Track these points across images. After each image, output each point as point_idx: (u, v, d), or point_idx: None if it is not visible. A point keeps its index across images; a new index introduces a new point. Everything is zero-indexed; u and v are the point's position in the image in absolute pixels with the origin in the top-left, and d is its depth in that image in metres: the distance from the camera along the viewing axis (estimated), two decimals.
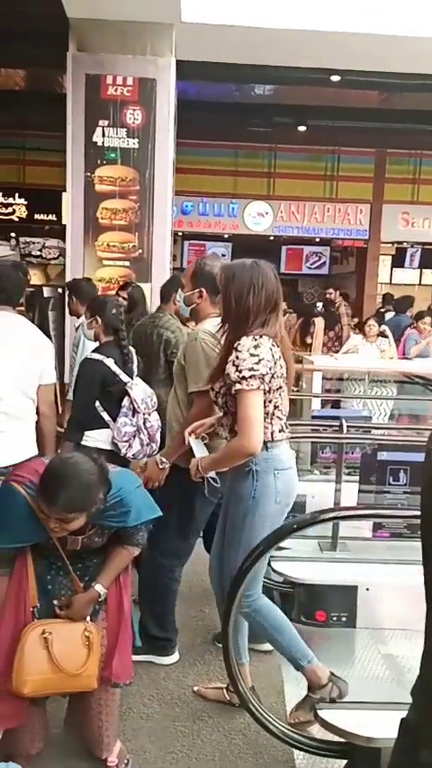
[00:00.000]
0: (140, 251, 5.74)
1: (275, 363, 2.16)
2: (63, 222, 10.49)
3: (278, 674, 2.79)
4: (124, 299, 5.00)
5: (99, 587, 2.00)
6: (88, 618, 2.01)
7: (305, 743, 2.20)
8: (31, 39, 6.33)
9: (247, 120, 9.03)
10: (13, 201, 10.99)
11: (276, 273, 2.27)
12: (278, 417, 2.24)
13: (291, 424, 2.64)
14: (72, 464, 1.85)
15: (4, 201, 10.97)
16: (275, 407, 2.22)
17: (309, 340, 8.58)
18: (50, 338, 4.52)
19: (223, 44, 5.52)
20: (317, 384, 5.50)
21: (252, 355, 2.10)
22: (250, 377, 2.07)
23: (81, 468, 1.83)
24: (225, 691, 2.57)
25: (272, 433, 2.22)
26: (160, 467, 2.67)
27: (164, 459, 2.67)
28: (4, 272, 2.86)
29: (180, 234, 11.23)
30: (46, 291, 8.05)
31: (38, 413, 2.80)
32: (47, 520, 1.85)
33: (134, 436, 3.01)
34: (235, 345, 2.13)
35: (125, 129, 5.49)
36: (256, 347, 2.11)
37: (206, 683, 2.68)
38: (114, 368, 3.01)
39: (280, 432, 2.25)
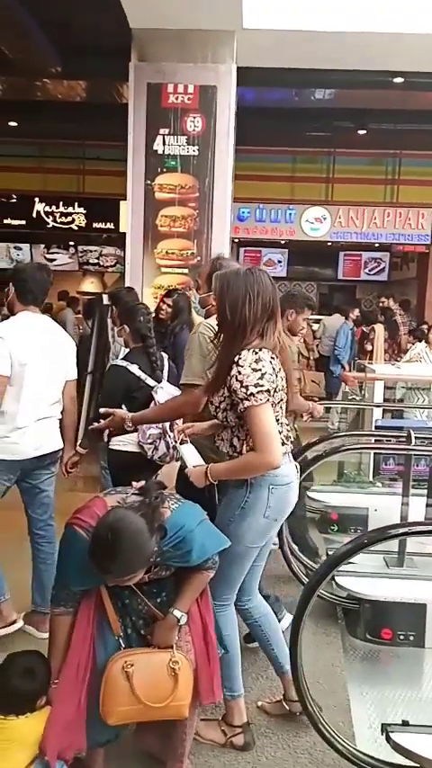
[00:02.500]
0: (198, 258, 5.73)
1: (276, 376, 2.10)
2: (121, 230, 10.77)
3: (344, 692, 2.71)
4: (169, 306, 5.02)
5: (177, 612, 1.97)
6: (174, 646, 1.97)
7: (375, 765, 2.12)
8: (95, 51, 6.47)
9: (306, 124, 8.98)
10: (73, 210, 11.21)
11: (273, 281, 2.19)
12: (278, 431, 2.14)
13: (352, 435, 2.57)
14: (120, 529, 1.78)
15: (65, 211, 11.20)
16: (276, 421, 2.12)
17: (369, 347, 8.43)
18: (110, 344, 4.60)
19: (284, 49, 5.48)
20: (378, 393, 5.36)
21: (255, 370, 2.03)
22: (258, 392, 2.01)
23: (130, 533, 1.78)
24: (283, 702, 2.51)
25: None
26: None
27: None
28: (30, 273, 2.99)
29: (236, 240, 11.24)
30: (105, 299, 8.14)
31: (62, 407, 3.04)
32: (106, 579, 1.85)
33: (160, 439, 3.04)
34: (236, 360, 2.06)
35: (185, 137, 5.50)
36: (257, 361, 2.05)
37: (270, 698, 2.62)
38: (139, 373, 3.08)
39: (282, 445, 2.15)
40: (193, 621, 2.03)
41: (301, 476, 2.37)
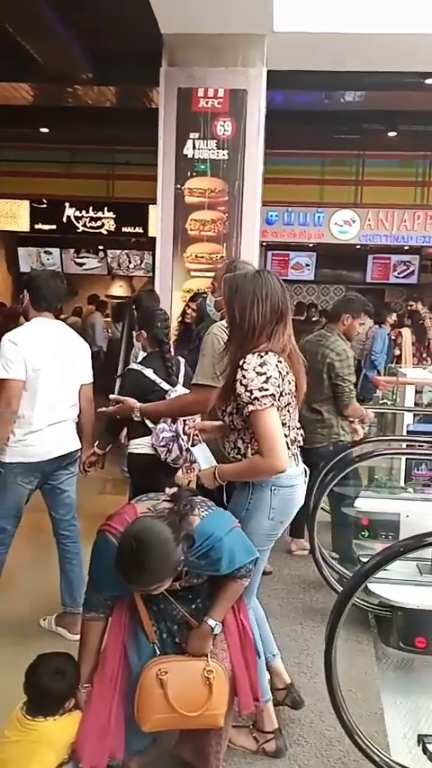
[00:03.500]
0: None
1: (283, 380, 2.09)
2: (150, 234, 10.85)
3: (378, 702, 2.67)
4: (193, 309, 5.01)
5: (211, 621, 1.96)
6: (209, 655, 1.96)
7: None
8: (125, 57, 6.52)
9: (336, 127, 8.92)
10: (102, 215, 11.31)
11: (282, 283, 2.17)
12: (283, 434, 2.11)
13: (382, 440, 2.51)
14: (144, 539, 1.78)
15: (94, 215, 11.30)
16: (283, 424, 2.11)
17: (396, 351, 8.33)
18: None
19: (314, 52, 5.44)
20: (409, 397, 5.30)
21: (259, 374, 2.02)
22: (262, 396, 2.00)
23: (155, 542, 1.77)
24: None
25: None
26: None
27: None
28: (44, 281, 3.07)
29: (264, 244, 11.21)
30: None
31: (79, 409, 3.15)
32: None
33: (173, 441, 3.09)
34: (240, 364, 2.05)
35: (215, 141, 5.50)
36: (261, 365, 2.04)
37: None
38: (154, 377, 3.13)
39: (287, 449, 2.12)
40: (229, 631, 2.01)
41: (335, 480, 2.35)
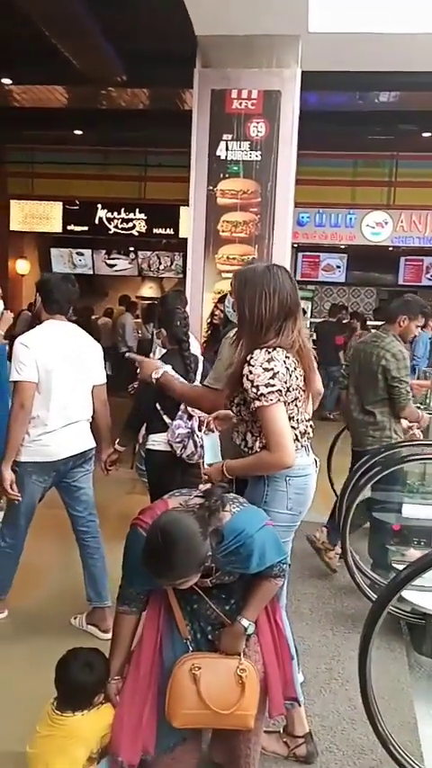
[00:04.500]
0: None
1: (291, 375, 2.09)
2: (180, 236, 10.87)
3: (411, 711, 2.62)
4: (221, 311, 4.99)
5: (244, 621, 1.94)
6: (242, 655, 1.94)
7: None
8: (159, 59, 6.55)
9: (369, 128, 8.83)
10: (134, 217, 11.38)
11: (293, 279, 2.16)
12: (292, 427, 2.13)
13: (417, 444, 2.45)
14: (171, 532, 1.77)
15: (126, 217, 11.38)
16: (290, 418, 2.12)
17: None
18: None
19: (349, 52, 5.39)
20: None
21: (266, 370, 2.02)
22: (269, 392, 2.01)
23: (182, 535, 1.77)
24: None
25: None
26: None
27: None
28: (55, 284, 3.13)
29: (295, 245, 11.16)
30: None
31: (94, 410, 3.18)
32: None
33: (188, 438, 3.19)
34: (248, 359, 2.06)
35: (248, 142, 5.49)
36: (269, 361, 2.04)
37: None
38: (172, 373, 3.10)
39: (295, 441, 2.12)
40: (262, 632, 1.99)
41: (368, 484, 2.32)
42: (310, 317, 12.79)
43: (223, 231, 5.66)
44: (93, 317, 11.69)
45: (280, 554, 1.95)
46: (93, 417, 3.21)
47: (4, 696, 2.61)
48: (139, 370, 2.66)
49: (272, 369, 2.02)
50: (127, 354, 3.03)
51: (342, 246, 11.39)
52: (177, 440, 3.20)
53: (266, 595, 1.98)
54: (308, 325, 11.97)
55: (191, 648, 1.96)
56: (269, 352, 2.06)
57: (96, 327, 11.49)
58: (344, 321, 10.19)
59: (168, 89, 7.57)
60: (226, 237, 5.68)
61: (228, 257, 5.72)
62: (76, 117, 9.08)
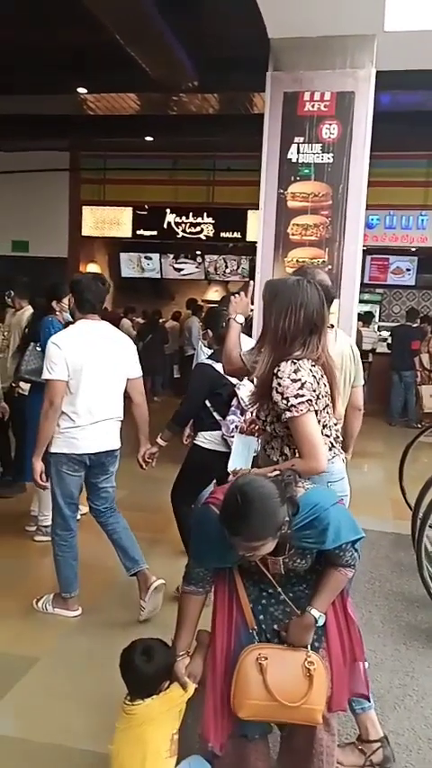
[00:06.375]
0: (330, 267, 5.61)
1: (318, 383, 2.13)
2: (248, 239, 10.87)
3: None
4: None
5: (314, 611, 1.91)
6: (309, 647, 1.92)
7: None
8: (230, 63, 6.57)
9: None
10: (202, 221, 11.45)
11: (322, 294, 2.16)
12: (326, 435, 2.18)
13: None
14: (250, 491, 1.77)
15: (194, 221, 11.46)
16: (324, 426, 2.15)
17: None
18: None
19: (424, 51, 5.26)
20: None
21: (294, 381, 2.06)
22: (299, 403, 2.04)
23: (260, 494, 1.77)
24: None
25: None
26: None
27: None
28: (86, 285, 3.25)
29: (363, 248, 10.95)
30: None
31: (132, 402, 3.34)
32: (236, 548, 1.82)
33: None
34: (275, 372, 2.09)
35: (320, 145, 5.42)
36: (295, 372, 2.08)
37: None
38: (222, 371, 3.23)
39: (330, 449, 2.20)
40: (329, 624, 1.96)
41: None
42: (379, 321, 12.55)
43: (293, 234, 5.62)
44: (161, 321, 11.84)
45: (356, 532, 1.92)
46: (132, 409, 3.35)
47: (84, 696, 2.65)
48: (231, 303, 2.72)
49: (299, 379, 2.06)
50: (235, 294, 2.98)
51: (413, 249, 11.12)
52: (232, 434, 3.29)
53: (337, 586, 1.95)
54: (377, 330, 11.75)
55: (256, 639, 1.94)
56: (295, 363, 2.10)
57: (164, 330, 11.64)
58: (414, 326, 9.94)
59: (239, 93, 7.58)
60: (296, 241, 5.63)
61: (297, 261, 5.66)
62: (147, 123, 9.22)
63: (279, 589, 1.94)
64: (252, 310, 3.57)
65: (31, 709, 2.60)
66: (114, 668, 2.09)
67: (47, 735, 2.43)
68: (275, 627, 1.96)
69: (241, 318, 2.68)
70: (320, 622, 1.92)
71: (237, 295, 2.75)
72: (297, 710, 1.86)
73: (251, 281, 2.91)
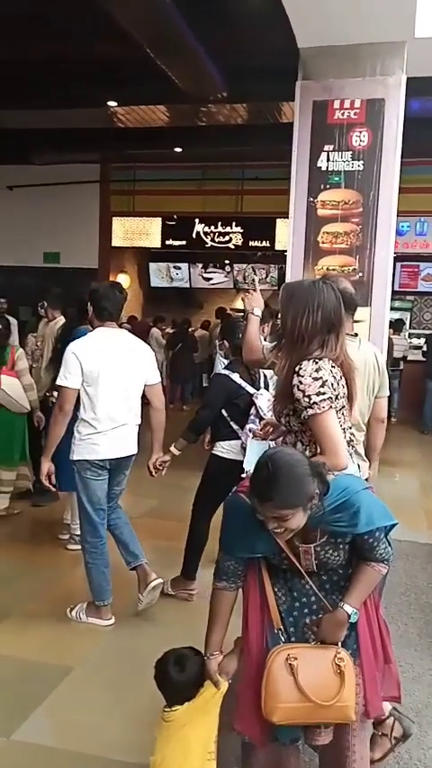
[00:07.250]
0: (360, 274, 5.58)
1: (338, 383, 2.15)
2: (276, 248, 10.86)
3: None
4: None
5: (348, 607, 1.87)
6: (340, 643, 1.89)
7: None
8: (259, 73, 6.60)
9: None
10: (230, 230, 11.49)
11: (339, 295, 2.17)
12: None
13: None
14: (279, 458, 1.79)
15: (222, 230, 11.50)
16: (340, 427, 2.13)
17: None
18: None
19: None
20: None
21: (315, 379, 2.08)
22: (321, 400, 2.05)
23: (289, 461, 1.77)
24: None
25: None
26: None
27: None
28: (103, 293, 3.29)
29: (394, 255, 10.86)
30: None
31: (151, 407, 3.39)
32: (267, 521, 1.78)
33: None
34: (297, 370, 2.10)
35: (350, 152, 5.40)
36: (317, 370, 2.09)
37: None
38: (240, 381, 3.36)
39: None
40: (360, 626, 1.92)
41: None
42: (409, 328, 12.42)
43: (323, 243, 5.60)
44: (190, 330, 11.89)
45: (389, 518, 1.90)
46: (150, 414, 3.39)
47: (119, 706, 2.66)
48: (245, 299, 2.78)
49: (320, 377, 2.08)
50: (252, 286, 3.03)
51: None
52: None
53: (371, 582, 1.91)
54: (407, 337, 11.63)
55: (282, 639, 1.92)
56: (317, 362, 2.12)
57: (194, 339, 11.69)
58: None
59: (267, 103, 7.60)
60: (326, 249, 5.61)
61: (328, 269, 5.63)
62: (177, 134, 9.29)
63: (309, 581, 1.89)
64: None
65: (66, 718, 2.61)
66: (148, 676, 2.08)
67: (83, 745, 2.44)
68: (306, 621, 1.93)
69: (258, 311, 2.75)
70: (354, 619, 1.88)
71: (248, 293, 2.83)
72: (331, 709, 1.82)
73: (256, 278, 2.97)
